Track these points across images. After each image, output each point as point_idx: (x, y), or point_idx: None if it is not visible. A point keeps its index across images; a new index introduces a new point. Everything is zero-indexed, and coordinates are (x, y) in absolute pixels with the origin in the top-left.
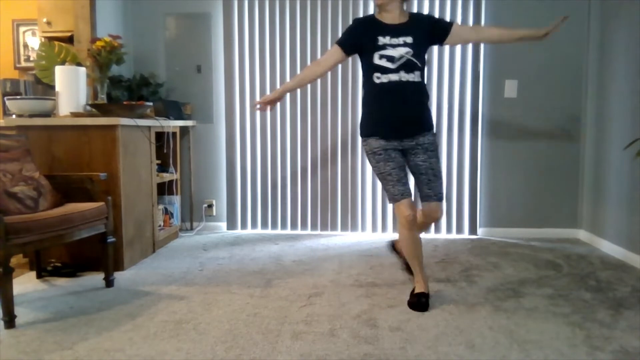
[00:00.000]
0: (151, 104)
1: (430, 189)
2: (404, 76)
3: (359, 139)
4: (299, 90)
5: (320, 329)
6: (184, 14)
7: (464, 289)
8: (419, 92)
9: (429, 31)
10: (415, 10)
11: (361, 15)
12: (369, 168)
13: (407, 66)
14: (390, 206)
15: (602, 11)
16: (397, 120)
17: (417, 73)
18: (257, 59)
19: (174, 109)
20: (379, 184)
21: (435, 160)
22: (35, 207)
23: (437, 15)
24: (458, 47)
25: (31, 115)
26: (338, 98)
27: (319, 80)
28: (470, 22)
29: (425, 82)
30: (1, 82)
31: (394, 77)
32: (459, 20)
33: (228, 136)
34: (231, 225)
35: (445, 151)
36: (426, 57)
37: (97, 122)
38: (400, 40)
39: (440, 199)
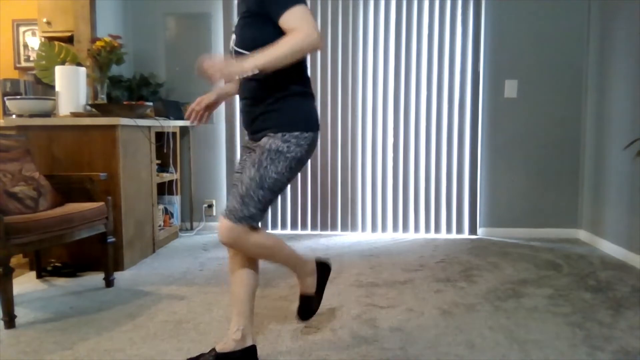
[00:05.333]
0: (151, 104)
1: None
2: None
3: (359, 138)
4: None
5: (320, 329)
6: (184, 14)
7: (464, 289)
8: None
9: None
10: (415, 9)
11: (361, 14)
12: (369, 167)
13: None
14: (390, 206)
15: (602, 11)
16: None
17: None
18: None
19: (174, 109)
20: (379, 184)
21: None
22: (35, 207)
23: (437, 17)
24: (458, 47)
25: (31, 115)
26: (338, 98)
27: (318, 79)
28: (470, 22)
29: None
30: (1, 82)
31: None
32: (459, 19)
33: (228, 136)
34: None
35: (446, 151)
36: (265, 35)
37: (97, 122)
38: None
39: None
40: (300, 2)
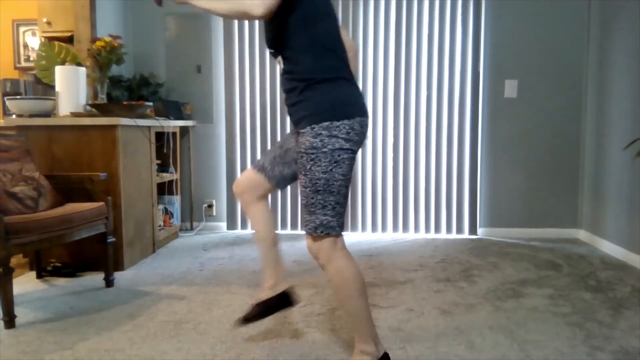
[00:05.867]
0: (151, 104)
1: None
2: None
3: None
4: None
5: (320, 329)
6: (184, 14)
7: (464, 289)
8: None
9: None
10: (415, 9)
11: (361, 14)
12: (369, 167)
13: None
14: (390, 206)
15: (602, 11)
16: None
17: (280, 59)
18: (257, 59)
19: (174, 109)
20: (379, 184)
21: None
22: (35, 207)
23: (437, 17)
24: (458, 47)
25: (31, 115)
26: None
27: None
28: (470, 22)
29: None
30: (1, 82)
31: None
32: (459, 19)
33: (228, 136)
34: (231, 225)
35: (446, 151)
36: (292, 30)
37: (97, 122)
38: None
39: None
40: None
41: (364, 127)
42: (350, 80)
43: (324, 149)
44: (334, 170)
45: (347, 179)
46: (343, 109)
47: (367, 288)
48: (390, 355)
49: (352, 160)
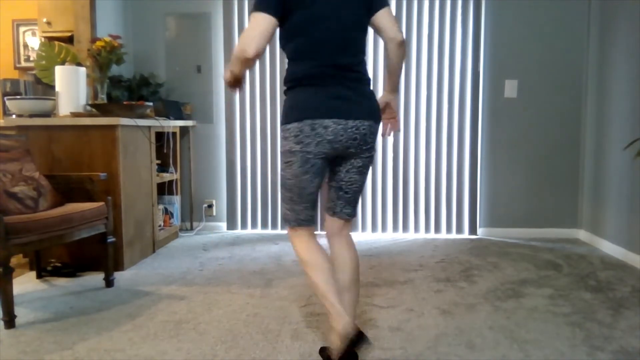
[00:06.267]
0: (151, 104)
1: None
2: None
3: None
4: None
5: (320, 329)
6: (184, 14)
7: (464, 289)
8: None
9: None
10: (415, 9)
11: None
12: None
13: None
14: (390, 206)
15: (602, 11)
16: None
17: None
18: None
19: (174, 109)
20: (379, 184)
21: None
22: (35, 207)
23: (437, 17)
24: (458, 47)
25: (31, 115)
26: None
27: None
28: (470, 22)
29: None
30: (1, 82)
31: None
32: (459, 19)
33: (228, 136)
34: (231, 225)
35: (446, 151)
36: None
37: (97, 122)
38: None
39: None
40: (258, 8)
41: (317, 128)
42: (314, 84)
43: (281, 150)
44: (286, 169)
45: (301, 179)
46: (291, 113)
47: (367, 288)
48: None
49: (307, 162)
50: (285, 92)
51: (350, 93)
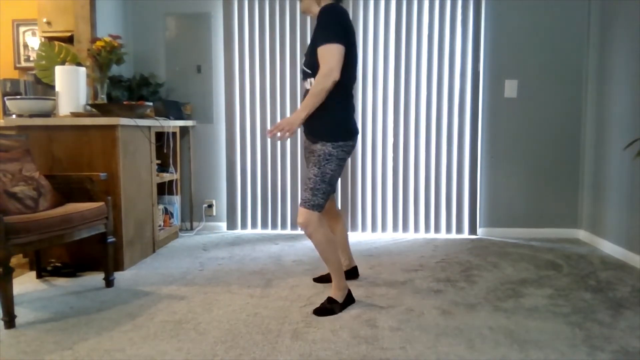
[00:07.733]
0: (151, 104)
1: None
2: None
3: (359, 138)
4: (298, 91)
5: (320, 328)
6: (184, 14)
7: (464, 289)
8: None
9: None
10: (415, 9)
11: (361, 14)
12: (369, 167)
13: (304, 74)
14: (390, 206)
15: (602, 11)
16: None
17: (309, 80)
18: (257, 59)
19: (174, 109)
20: (379, 184)
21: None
22: (35, 207)
23: (437, 17)
24: (458, 47)
25: (31, 115)
26: None
27: None
28: (470, 22)
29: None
30: (1, 82)
31: (305, 84)
32: (459, 19)
33: (228, 136)
34: (231, 225)
35: (446, 151)
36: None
37: (97, 122)
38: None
39: (301, 204)
40: (333, 40)
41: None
42: (353, 109)
43: (335, 156)
44: (336, 170)
45: (338, 177)
46: (351, 133)
47: (367, 288)
48: (390, 355)
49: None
50: (336, 112)
51: None
